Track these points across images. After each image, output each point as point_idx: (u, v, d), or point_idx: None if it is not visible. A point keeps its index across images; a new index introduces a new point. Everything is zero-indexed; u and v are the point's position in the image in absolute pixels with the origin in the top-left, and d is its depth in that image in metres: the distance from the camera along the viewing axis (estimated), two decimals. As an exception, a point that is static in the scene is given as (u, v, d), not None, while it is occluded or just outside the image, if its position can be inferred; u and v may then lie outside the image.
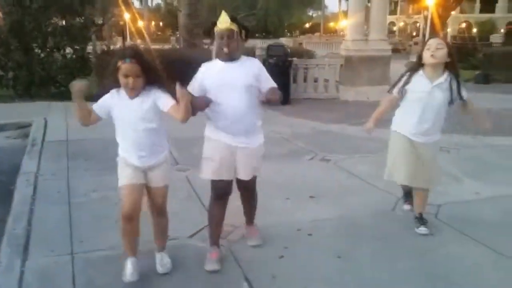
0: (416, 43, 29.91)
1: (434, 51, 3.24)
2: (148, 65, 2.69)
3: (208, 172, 3.02)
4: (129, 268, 2.84)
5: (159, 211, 2.98)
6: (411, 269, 3.09)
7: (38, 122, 7.24)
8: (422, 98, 3.30)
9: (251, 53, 9.13)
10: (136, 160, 2.79)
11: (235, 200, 3.31)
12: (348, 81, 10.82)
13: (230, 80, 2.87)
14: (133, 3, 35.97)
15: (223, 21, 2.87)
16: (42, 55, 10.82)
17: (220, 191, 3.08)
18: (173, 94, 2.68)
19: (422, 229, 3.55)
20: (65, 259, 3.09)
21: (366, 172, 5.01)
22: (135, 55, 2.65)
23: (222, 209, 3.13)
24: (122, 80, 2.65)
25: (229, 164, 3.00)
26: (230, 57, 2.89)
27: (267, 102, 2.88)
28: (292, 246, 3.36)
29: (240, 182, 3.18)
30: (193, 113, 2.78)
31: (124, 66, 2.61)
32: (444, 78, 3.28)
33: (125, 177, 2.80)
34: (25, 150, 5.71)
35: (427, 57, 3.28)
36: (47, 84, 10.59)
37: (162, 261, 3.00)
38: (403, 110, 3.42)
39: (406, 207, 3.92)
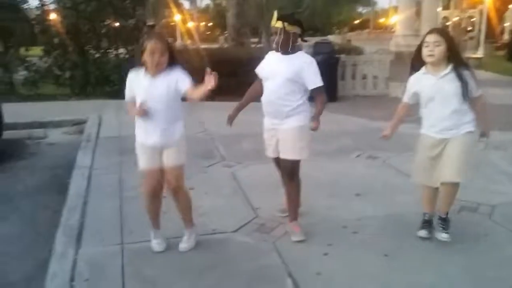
0: (471, 38, 28.61)
1: (432, 49, 3.04)
2: (170, 45, 2.99)
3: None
4: (153, 242, 3.21)
5: (175, 190, 3.13)
6: (461, 271, 2.97)
7: (92, 119, 7.55)
8: (432, 94, 3.11)
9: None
10: (151, 139, 2.98)
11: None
12: (398, 77, 10.53)
13: (275, 70, 3.27)
14: (183, 4, 36.72)
15: (272, 20, 3.26)
16: (97, 55, 11.30)
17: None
18: (198, 76, 2.87)
19: (422, 232, 3.35)
20: (115, 249, 3.21)
21: (416, 170, 4.85)
22: (160, 36, 3.00)
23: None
24: (148, 58, 2.87)
25: (271, 143, 3.41)
26: (280, 50, 3.27)
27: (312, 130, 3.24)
28: (337, 243, 3.32)
29: (280, 163, 3.44)
30: None
31: (151, 45, 2.86)
32: (449, 69, 3.07)
33: (143, 161, 3.08)
34: (80, 146, 5.97)
35: (425, 55, 3.10)
36: (101, 83, 11.03)
37: (188, 239, 3.23)
38: (424, 112, 3.25)
39: (421, 233, 3.39)
